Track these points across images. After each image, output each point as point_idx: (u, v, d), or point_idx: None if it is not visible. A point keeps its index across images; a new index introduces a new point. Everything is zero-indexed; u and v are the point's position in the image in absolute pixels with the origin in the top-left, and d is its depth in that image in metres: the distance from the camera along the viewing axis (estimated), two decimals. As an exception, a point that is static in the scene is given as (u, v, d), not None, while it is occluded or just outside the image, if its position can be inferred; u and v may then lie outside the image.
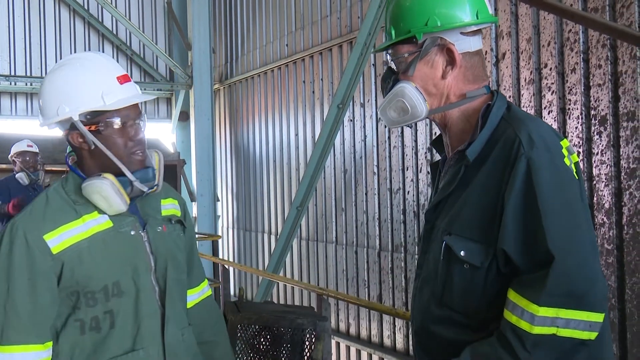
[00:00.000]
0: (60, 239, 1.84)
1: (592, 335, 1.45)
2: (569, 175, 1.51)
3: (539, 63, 4.30)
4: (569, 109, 4.08)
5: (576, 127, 4.02)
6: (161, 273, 1.97)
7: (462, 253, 1.56)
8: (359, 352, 6.10)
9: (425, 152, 5.30)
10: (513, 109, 1.62)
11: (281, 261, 6.81)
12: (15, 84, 8.80)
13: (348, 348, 6.28)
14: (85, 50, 9.29)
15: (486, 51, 4.68)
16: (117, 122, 1.85)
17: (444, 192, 1.66)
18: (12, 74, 8.85)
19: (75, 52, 9.24)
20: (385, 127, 5.79)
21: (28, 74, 8.96)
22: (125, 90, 1.87)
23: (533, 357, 1.45)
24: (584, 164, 3.96)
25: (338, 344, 6.34)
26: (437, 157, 1.81)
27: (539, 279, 1.44)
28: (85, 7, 9.25)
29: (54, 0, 9.15)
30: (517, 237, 1.47)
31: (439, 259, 1.62)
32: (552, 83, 4.18)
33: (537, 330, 1.43)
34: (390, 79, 1.71)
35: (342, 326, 6.36)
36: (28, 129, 9.26)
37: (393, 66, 1.71)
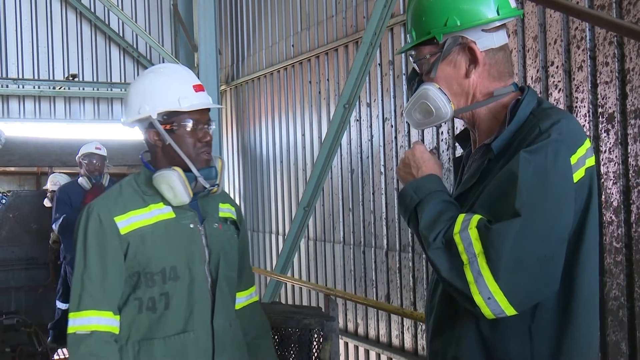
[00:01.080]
0: (128, 222, 2.10)
1: (485, 310, 1.46)
2: (564, 172, 1.46)
3: (545, 61, 4.28)
4: (576, 106, 4.06)
5: (583, 125, 3.99)
6: (214, 265, 2.19)
7: None
8: (367, 352, 6.09)
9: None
10: (543, 105, 1.59)
11: (289, 261, 6.80)
12: (23, 87, 8.83)
13: (356, 348, 6.27)
14: (92, 52, 9.34)
15: (492, 50, 4.66)
16: (189, 124, 2.13)
17: (465, 185, 1.64)
18: (20, 77, 8.88)
19: (82, 54, 9.29)
20: (392, 126, 5.78)
21: (36, 77, 8.99)
22: (199, 97, 2.15)
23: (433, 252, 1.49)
24: (591, 162, 3.94)
25: (347, 344, 6.34)
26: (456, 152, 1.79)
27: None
28: (92, 9, 9.28)
29: (61, 4, 9.18)
30: (487, 203, 1.47)
31: None
32: (559, 81, 4.16)
33: (457, 238, 1.46)
34: (415, 81, 1.70)
35: (351, 326, 6.35)
36: (37, 131, 9.31)
37: (417, 68, 1.70)
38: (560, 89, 4.15)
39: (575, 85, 4.07)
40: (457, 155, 2.03)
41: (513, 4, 1.66)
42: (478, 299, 1.43)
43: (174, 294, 2.12)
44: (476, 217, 1.48)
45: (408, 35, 1.72)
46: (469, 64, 1.62)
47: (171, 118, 2.14)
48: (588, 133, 3.97)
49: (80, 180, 6.14)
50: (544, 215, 1.43)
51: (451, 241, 1.47)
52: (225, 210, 2.34)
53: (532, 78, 4.35)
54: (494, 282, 1.41)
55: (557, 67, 4.18)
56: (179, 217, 2.17)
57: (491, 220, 1.46)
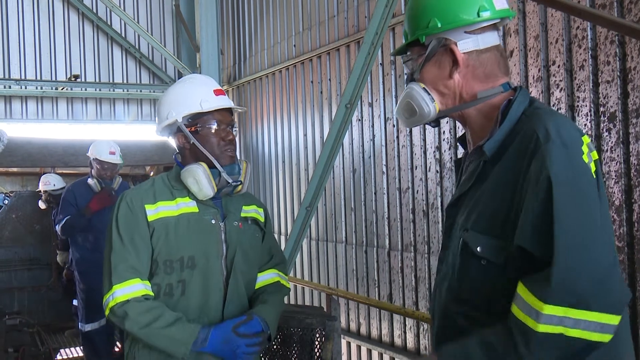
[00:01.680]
0: (156, 210, 2.31)
1: (605, 338, 1.40)
2: (585, 172, 1.45)
3: (547, 60, 4.28)
4: (577, 106, 4.06)
5: (585, 124, 3.99)
6: (230, 260, 2.35)
7: (478, 249, 1.54)
8: (369, 352, 6.10)
9: (434, 151, 5.29)
10: (535, 104, 1.60)
11: (291, 261, 6.79)
12: (25, 88, 8.83)
13: (359, 348, 6.27)
14: (94, 53, 9.34)
15: (494, 49, 4.66)
16: (212, 125, 2.34)
17: (463, 187, 1.66)
18: (23, 77, 8.89)
19: (84, 55, 9.29)
20: (394, 126, 5.78)
21: (38, 78, 9.00)
22: (219, 100, 2.37)
23: (534, 355, 1.41)
24: (593, 161, 3.94)
25: (349, 344, 6.34)
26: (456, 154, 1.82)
27: (546, 277, 1.40)
28: (94, 10, 9.29)
29: (63, 4, 9.19)
30: (533, 233, 1.43)
31: (457, 255, 1.61)
32: (561, 80, 4.16)
33: (542, 328, 1.39)
34: (409, 81, 1.73)
35: (353, 326, 6.35)
36: (39, 132, 9.33)
37: (407, 69, 1.74)
38: (561, 88, 4.15)
39: (577, 84, 4.06)
40: (459, 157, 2.04)
41: (501, 6, 1.66)
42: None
43: (190, 282, 2.29)
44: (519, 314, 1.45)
45: (403, 37, 1.78)
46: (452, 65, 1.64)
47: (195, 120, 2.35)
48: (589, 132, 3.97)
49: (90, 181, 5.73)
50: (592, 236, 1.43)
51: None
52: (250, 211, 2.51)
53: (533, 77, 4.35)
54: (590, 313, 1.40)
55: (558, 66, 4.18)
56: (202, 212, 2.37)
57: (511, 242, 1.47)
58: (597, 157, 1.53)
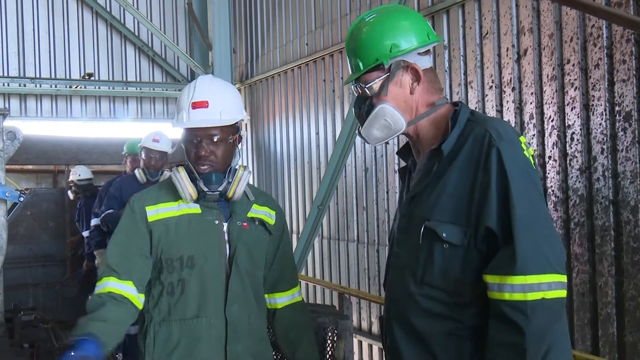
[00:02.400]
0: (156, 212, 2.37)
1: (565, 293, 1.70)
2: (530, 164, 1.76)
3: (561, 59, 4.25)
4: (592, 105, 4.03)
5: (600, 124, 3.97)
6: (232, 259, 2.36)
7: (443, 234, 1.77)
8: (381, 351, 6.09)
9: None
10: (476, 113, 1.88)
11: (303, 260, 6.82)
12: (40, 86, 8.90)
13: (370, 347, 6.27)
14: (107, 51, 9.38)
15: (508, 48, 4.64)
16: (185, 138, 2.35)
17: (418, 186, 1.88)
18: (38, 76, 8.95)
19: (98, 53, 9.34)
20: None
21: (53, 76, 9.06)
22: (194, 114, 2.31)
23: (531, 321, 1.64)
24: (608, 161, 3.92)
25: (360, 343, 6.34)
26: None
27: (508, 254, 1.67)
28: (108, 9, 9.34)
29: (77, 4, 9.24)
30: (497, 215, 1.70)
31: (418, 244, 1.83)
32: (575, 79, 4.13)
33: (531, 296, 1.64)
34: (364, 104, 1.94)
35: (365, 325, 6.35)
36: (53, 130, 9.39)
37: (367, 93, 1.92)
38: (576, 87, 4.12)
39: (592, 83, 4.04)
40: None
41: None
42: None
43: (189, 280, 2.32)
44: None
45: (351, 67, 1.97)
46: (413, 82, 1.90)
47: (181, 130, 2.38)
48: (604, 132, 3.94)
49: (136, 172, 5.61)
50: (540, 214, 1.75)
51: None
52: (260, 213, 2.49)
53: (547, 76, 4.33)
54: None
55: (573, 65, 4.15)
56: (204, 213, 2.38)
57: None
58: (532, 152, 1.82)
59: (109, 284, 2.30)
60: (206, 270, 2.34)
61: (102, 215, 5.59)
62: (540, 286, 1.64)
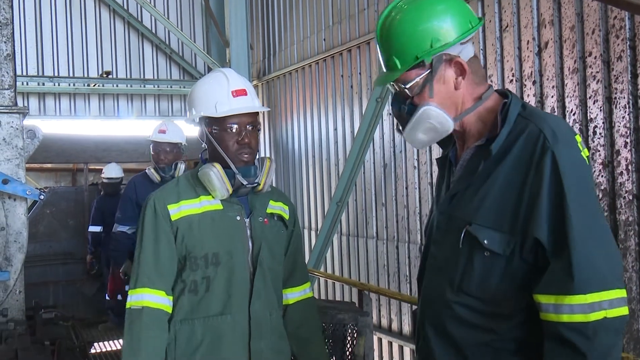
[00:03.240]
0: (179, 209, 2.33)
1: (627, 310, 1.55)
2: (587, 168, 1.62)
3: (583, 51, 4.18)
4: (615, 97, 3.97)
5: (623, 117, 3.90)
6: (256, 256, 2.35)
7: (485, 242, 1.64)
8: (401, 348, 6.06)
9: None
10: (529, 107, 1.72)
11: (322, 257, 6.81)
12: (59, 85, 8.96)
13: (390, 344, 6.24)
14: (125, 49, 9.42)
15: (528, 41, 4.58)
16: (227, 128, 2.30)
17: (460, 184, 1.75)
18: (56, 75, 9.01)
19: (115, 52, 9.38)
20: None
21: (71, 75, 9.12)
22: (237, 102, 2.32)
23: (594, 344, 1.51)
24: (631, 154, 3.85)
25: (380, 340, 6.31)
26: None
27: (563, 271, 1.53)
28: (125, 7, 9.37)
29: (95, 2, 9.28)
30: (547, 226, 1.56)
31: (457, 248, 1.70)
32: (597, 72, 4.07)
33: (593, 317, 1.51)
34: (405, 104, 1.77)
35: (384, 322, 6.33)
36: (72, 128, 9.46)
37: (407, 92, 1.76)
38: (598, 80, 4.06)
39: (615, 75, 3.97)
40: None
41: (477, 15, 1.86)
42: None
43: (214, 278, 2.31)
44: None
45: (386, 66, 1.79)
46: (457, 76, 1.73)
47: (212, 122, 2.33)
48: (627, 125, 3.87)
49: (148, 170, 5.01)
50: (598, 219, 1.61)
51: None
52: (276, 208, 2.49)
53: (569, 69, 4.26)
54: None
55: (595, 57, 4.09)
56: (226, 210, 2.37)
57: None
58: (587, 154, 1.66)
59: (145, 297, 2.28)
60: (232, 267, 2.33)
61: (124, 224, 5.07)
62: (602, 304, 1.51)
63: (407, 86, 1.75)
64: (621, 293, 1.54)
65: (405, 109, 1.77)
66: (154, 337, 2.27)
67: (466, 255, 1.68)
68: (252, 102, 2.36)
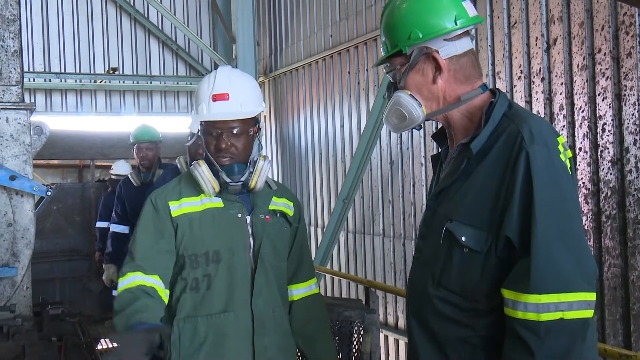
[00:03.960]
0: (180, 206, 2.34)
1: (592, 313, 1.57)
2: (563, 169, 1.62)
3: (592, 48, 4.16)
4: (624, 95, 3.94)
5: (632, 114, 3.88)
6: (257, 253, 2.35)
7: (462, 238, 1.68)
8: (407, 346, 6.04)
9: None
10: (514, 107, 1.75)
11: (328, 254, 6.79)
12: (65, 81, 8.97)
13: (397, 341, 6.23)
14: (131, 45, 9.43)
15: (537, 37, 4.55)
16: (206, 131, 2.33)
17: (446, 181, 1.79)
18: (63, 71, 9.02)
19: (122, 48, 9.39)
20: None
21: (77, 71, 9.13)
22: (215, 107, 2.30)
23: (545, 344, 1.53)
24: (641, 152, 3.83)
25: (386, 337, 6.30)
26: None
27: (524, 270, 1.56)
28: (132, 3, 9.37)
29: (101, -2, 9.30)
30: (518, 225, 1.59)
31: (438, 244, 1.74)
32: (607, 68, 4.04)
33: (545, 317, 1.54)
34: (391, 89, 1.85)
35: (391, 319, 6.31)
36: (78, 124, 9.46)
37: (390, 78, 1.85)
38: (607, 76, 4.03)
39: (624, 72, 3.94)
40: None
41: (473, 13, 1.79)
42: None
43: (215, 276, 2.30)
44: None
45: (382, 49, 1.87)
46: (435, 71, 1.76)
47: (200, 122, 2.35)
48: (637, 122, 3.85)
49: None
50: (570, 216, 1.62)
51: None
52: (280, 204, 2.47)
53: (578, 66, 4.24)
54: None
55: (604, 54, 4.06)
56: (227, 207, 2.36)
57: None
58: (570, 155, 1.69)
59: (137, 278, 2.27)
60: (233, 265, 2.32)
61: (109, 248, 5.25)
62: (559, 306, 1.53)
63: (390, 72, 1.83)
64: (586, 296, 1.55)
65: (390, 94, 1.85)
66: (148, 303, 2.24)
67: (446, 251, 1.72)
68: (231, 108, 2.29)
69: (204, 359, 2.30)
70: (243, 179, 2.34)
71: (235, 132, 2.30)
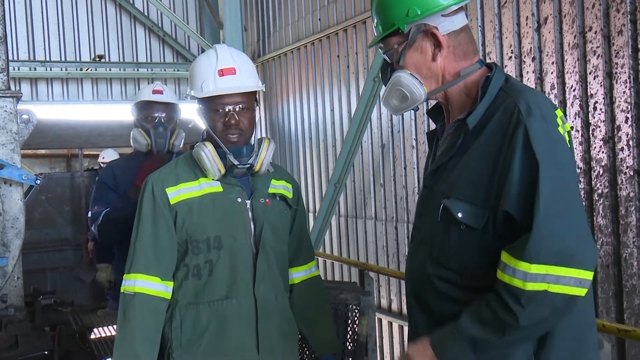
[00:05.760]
0: (178, 193, 2.28)
1: (583, 292, 1.55)
2: (563, 143, 1.61)
3: (583, 26, 4.14)
4: (615, 73, 3.93)
5: (624, 92, 3.87)
6: (259, 238, 2.31)
7: (459, 215, 1.65)
8: (401, 328, 6.07)
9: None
10: (511, 81, 1.73)
11: (320, 239, 6.79)
12: (51, 70, 8.86)
13: (390, 324, 6.24)
14: (117, 32, 9.33)
15: (527, 16, 4.53)
16: (213, 108, 2.25)
17: (443, 158, 1.76)
18: (48, 59, 8.91)
19: (108, 35, 9.28)
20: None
21: (63, 59, 9.02)
22: (222, 82, 2.23)
23: (526, 311, 1.54)
24: (632, 130, 3.82)
25: (380, 320, 6.31)
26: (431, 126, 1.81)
27: (525, 241, 1.54)
28: (117, -11, 9.27)
29: (86, -15, 9.18)
30: (518, 200, 1.56)
31: (436, 221, 1.72)
32: (598, 47, 4.02)
33: (530, 286, 1.53)
34: (387, 71, 1.83)
35: (384, 302, 6.32)
36: (65, 113, 9.37)
37: (387, 58, 1.82)
38: (598, 55, 4.01)
39: (615, 50, 3.93)
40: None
41: None
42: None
43: (217, 262, 2.26)
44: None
45: (375, 30, 1.83)
46: (434, 48, 1.74)
47: (201, 101, 2.29)
48: (628, 100, 3.84)
49: (133, 134, 3.77)
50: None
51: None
52: (279, 187, 2.43)
53: (569, 44, 4.22)
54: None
55: (595, 32, 4.04)
56: (227, 191, 2.31)
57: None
58: (569, 128, 1.67)
59: (138, 283, 2.24)
60: (235, 250, 2.28)
61: (99, 220, 3.53)
62: (546, 277, 1.52)
63: (387, 52, 1.80)
64: (579, 274, 1.53)
65: (388, 75, 1.82)
66: (147, 325, 2.24)
67: (444, 229, 1.71)
68: (240, 82, 2.26)
69: (206, 346, 2.27)
70: (251, 161, 2.29)
71: (241, 106, 2.26)
